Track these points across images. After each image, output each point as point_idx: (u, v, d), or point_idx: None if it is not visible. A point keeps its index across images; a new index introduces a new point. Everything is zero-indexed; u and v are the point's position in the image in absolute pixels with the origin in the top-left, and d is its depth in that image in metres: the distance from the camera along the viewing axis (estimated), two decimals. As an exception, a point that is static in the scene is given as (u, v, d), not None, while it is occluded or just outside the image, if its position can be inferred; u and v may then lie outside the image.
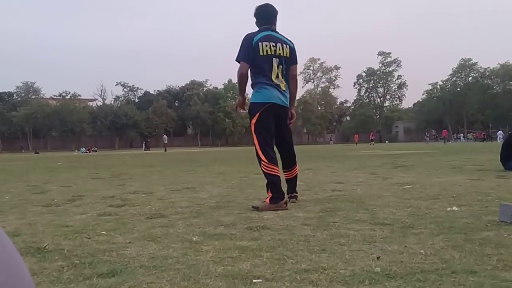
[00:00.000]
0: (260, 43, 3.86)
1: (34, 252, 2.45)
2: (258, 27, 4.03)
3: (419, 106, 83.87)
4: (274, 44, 3.92)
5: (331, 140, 72.25)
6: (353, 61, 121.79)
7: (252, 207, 3.81)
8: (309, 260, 2.15)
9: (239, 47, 3.91)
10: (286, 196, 3.96)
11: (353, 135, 73.62)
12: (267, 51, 3.88)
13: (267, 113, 3.88)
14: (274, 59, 3.91)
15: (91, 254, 2.38)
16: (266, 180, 3.91)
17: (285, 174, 4.22)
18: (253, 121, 3.90)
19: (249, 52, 3.85)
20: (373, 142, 47.92)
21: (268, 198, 3.82)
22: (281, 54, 3.95)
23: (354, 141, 54.63)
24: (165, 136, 46.15)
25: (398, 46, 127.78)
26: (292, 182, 4.24)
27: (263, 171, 3.90)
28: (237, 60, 3.89)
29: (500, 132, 48.24)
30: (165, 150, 38.82)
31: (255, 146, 3.92)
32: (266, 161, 3.84)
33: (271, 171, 3.85)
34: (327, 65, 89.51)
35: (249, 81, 3.94)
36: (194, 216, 3.57)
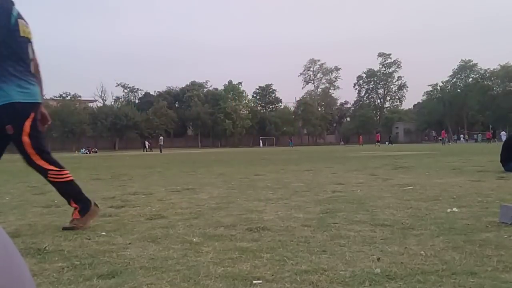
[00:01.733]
0: (19, 20, 2.94)
1: (34, 253, 2.45)
2: None
3: (419, 107, 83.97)
4: (27, 25, 3.03)
5: (341, 141, 71.91)
6: (353, 63, 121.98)
7: (63, 228, 3.13)
8: (309, 261, 2.15)
9: None
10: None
11: (353, 136, 73.60)
12: (27, 32, 3.02)
13: (37, 115, 3.09)
14: (29, 44, 3.06)
15: (91, 255, 2.38)
16: (63, 191, 3.19)
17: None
18: (27, 123, 3.00)
19: (1, 28, 2.83)
20: (378, 143, 47.76)
21: (77, 211, 3.14)
22: (32, 40, 3.11)
23: (359, 142, 54.52)
24: (161, 137, 46.08)
25: (398, 47, 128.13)
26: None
27: (53, 181, 3.11)
28: None
29: (503, 132, 48.18)
30: (161, 151, 38.67)
31: (27, 153, 3.05)
32: (55, 168, 3.09)
33: (65, 177, 3.13)
34: (327, 66, 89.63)
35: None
36: (194, 217, 3.57)
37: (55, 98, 71.68)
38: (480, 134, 63.54)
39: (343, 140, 72.93)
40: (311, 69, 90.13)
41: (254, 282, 1.86)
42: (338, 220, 3.25)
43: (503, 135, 45.37)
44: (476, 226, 2.88)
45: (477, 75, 76.06)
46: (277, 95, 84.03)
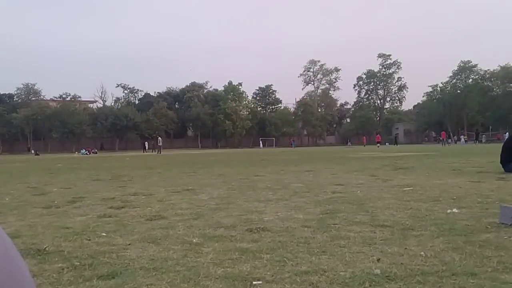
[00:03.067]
0: None
1: (34, 253, 2.45)
2: None
3: (419, 108, 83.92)
4: None
5: (349, 141, 71.56)
6: (353, 64, 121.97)
7: None
8: (309, 262, 2.15)
9: None
10: None
11: (353, 137, 73.59)
12: None
13: None
14: None
15: (91, 256, 2.39)
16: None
17: None
18: None
19: None
20: (379, 144, 47.65)
21: None
22: None
23: (363, 143, 54.73)
24: (159, 138, 46.04)
25: (398, 48, 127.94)
26: None
27: None
28: None
29: (506, 134, 48.12)
30: (159, 152, 38.50)
31: None
32: None
33: None
34: (327, 67, 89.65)
35: None
36: (194, 218, 3.57)
37: (55, 98, 71.81)
38: (484, 135, 63.36)
39: (350, 140, 72.30)
40: (311, 70, 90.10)
41: (254, 283, 1.86)
42: (338, 221, 3.25)
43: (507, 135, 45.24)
44: (476, 227, 2.88)
45: (477, 76, 76.03)
46: (277, 96, 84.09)
